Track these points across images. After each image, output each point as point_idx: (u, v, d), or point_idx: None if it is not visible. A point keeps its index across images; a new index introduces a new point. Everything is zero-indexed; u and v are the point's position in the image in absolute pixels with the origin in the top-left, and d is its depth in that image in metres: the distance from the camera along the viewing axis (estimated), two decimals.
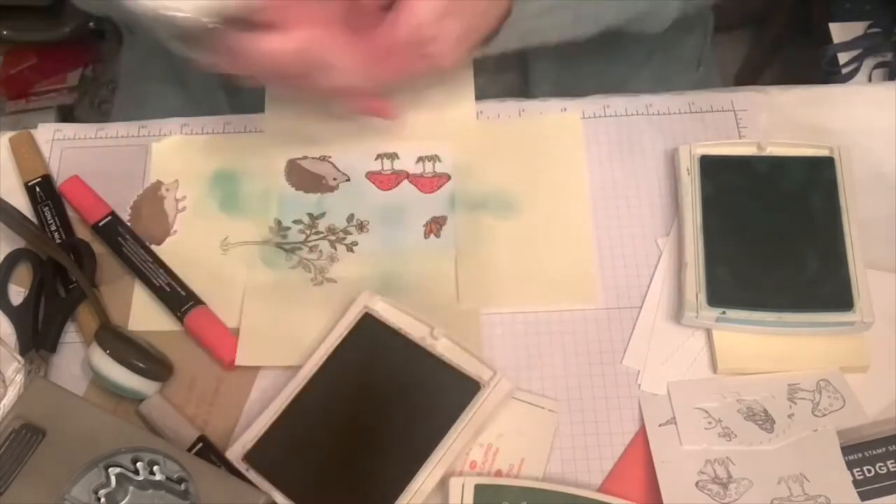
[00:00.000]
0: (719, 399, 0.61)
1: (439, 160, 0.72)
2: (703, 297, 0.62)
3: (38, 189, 0.71)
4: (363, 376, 0.61)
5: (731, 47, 1.53)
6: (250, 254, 0.68)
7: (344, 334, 0.62)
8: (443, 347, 0.61)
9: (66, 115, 1.54)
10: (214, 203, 0.71)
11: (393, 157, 0.72)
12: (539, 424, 0.60)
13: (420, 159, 0.72)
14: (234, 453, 0.59)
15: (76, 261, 0.67)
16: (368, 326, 0.63)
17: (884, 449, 0.57)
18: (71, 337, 0.66)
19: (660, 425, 0.60)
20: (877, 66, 0.96)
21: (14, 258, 0.68)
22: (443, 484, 0.57)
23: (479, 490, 0.56)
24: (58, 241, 0.69)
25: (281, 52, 0.58)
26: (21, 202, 0.71)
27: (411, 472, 0.57)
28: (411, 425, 0.59)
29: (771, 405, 0.60)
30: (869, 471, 0.57)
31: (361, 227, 0.69)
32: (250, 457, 0.59)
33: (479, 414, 0.58)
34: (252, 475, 0.58)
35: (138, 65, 0.94)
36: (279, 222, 0.70)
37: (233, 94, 0.82)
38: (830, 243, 0.63)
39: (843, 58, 0.98)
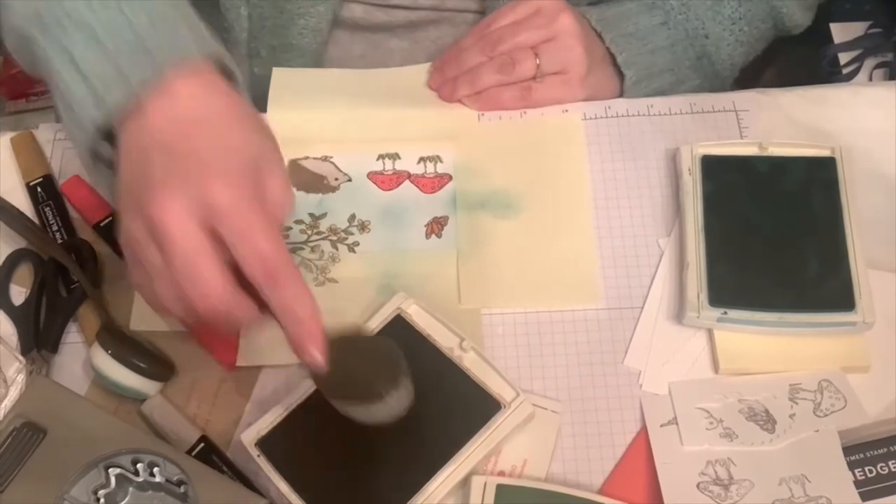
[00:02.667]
0: (721, 399, 0.61)
1: (441, 160, 0.72)
2: (704, 297, 0.62)
3: (39, 189, 0.71)
4: None
5: None
6: None
7: (373, 333, 0.62)
8: (469, 361, 0.61)
9: None
10: None
11: (394, 157, 0.72)
12: (542, 425, 0.60)
13: (421, 159, 0.72)
14: (248, 437, 0.59)
15: (78, 261, 0.67)
16: (398, 329, 0.62)
17: (885, 449, 0.57)
18: (72, 337, 0.66)
19: (661, 426, 0.60)
20: (877, 66, 0.96)
21: (16, 258, 0.68)
22: (453, 490, 0.57)
23: (501, 490, 0.56)
24: (59, 241, 0.69)
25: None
26: (22, 202, 0.71)
27: (419, 482, 0.57)
28: (426, 435, 0.58)
29: (772, 405, 0.60)
30: (870, 471, 0.57)
31: (363, 227, 0.69)
32: (263, 443, 0.59)
33: (495, 434, 0.58)
34: (262, 462, 0.58)
35: None
36: None
37: (251, 76, 0.82)
38: (832, 243, 0.63)
39: (843, 58, 0.97)
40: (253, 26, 0.79)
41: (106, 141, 0.54)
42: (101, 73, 0.51)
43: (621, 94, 0.75)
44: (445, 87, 0.74)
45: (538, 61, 0.72)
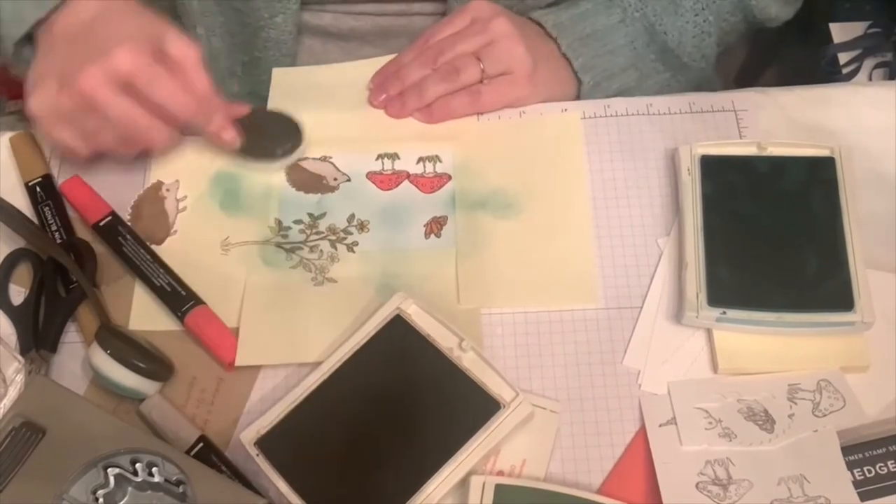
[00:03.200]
0: (720, 399, 0.61)
1: (440, 160, 0.72)
2: (703, 296, 0.62)
3: (38, 189, 0.71)
4: (385, 378, 0.61)
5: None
6: (250, 254, 0.68)
7: (372, 333, 0.62)
8: (469, 361, 0.61)
9: None
10: (215, 203, 0.71)
11: (393, 157, 0.72)
12: (541, 425, 0.60)
13: (421, 159, 0.72)
14: (247, 436, 0.59)
15: (77, 260, 0.67)
16: (398, 329, 0.62)
17: (884, 449, 0.57)
18: (71, 337, 0.66)
19: (660, 425, 0.60)
20: (877, 66, 0.96)
21: (14, 258, 0.68)
22: (451, 489, 0.57)
23: (500, 490, 0.56)
24: (58, 240, 0.69)
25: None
26: (21, 202, 0.71)
27: (419, 482, 0.57)
28: (426, 435, 0.59)
29: (771, 405, 0.60)
30: (869, 471, 0.57)
31: (362, 227, 0.69)
32: (262, 442, 0.59)
33: (495, 433, 0.58)
34: (261, 461, 0.58)
35: None
36: (279, 222, 0.70)
37: (234, 95, 0.82)
38: (831, 243, 0.63)
39: (843, 58, 0.98)
40: (226, 45, 0.80)
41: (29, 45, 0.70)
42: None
43: (580, 96, 0.75)
44: (392, 104, 0.74)
45: (482, 66, 0.72)
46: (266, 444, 0.59)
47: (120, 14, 0.66)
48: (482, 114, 0.74)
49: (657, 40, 0.75)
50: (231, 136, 0.69)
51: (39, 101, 0.65)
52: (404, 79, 0.73)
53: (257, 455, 0.58)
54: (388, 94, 0.74)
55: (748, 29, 0.80)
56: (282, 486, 0.57)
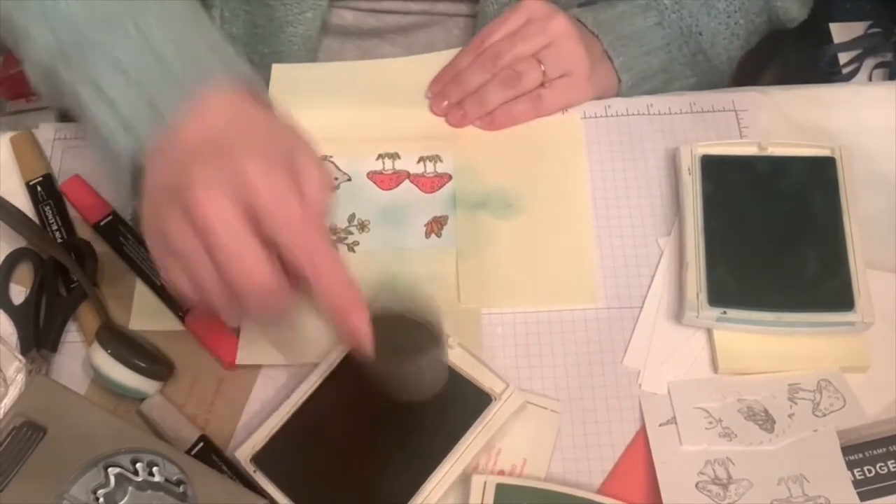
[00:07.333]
0: (720, 399, 0.61)
1: (440, 160, 0.72)
2: (703, 296, 0.62)
3: (39, 188, 0.71)
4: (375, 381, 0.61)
5: None
6: None
7: None
8: (456, 357, 0.60)
9: (66, 114, 1.53)
10: None
11: (394, 156, 0.72)
12: (542, 425, 0.60)
13: (421, 159, 0.72)
14: (244, 454, 0.59)
15: (77, 260, 0.67)
16: None
17: (884, 449, 0.57)
18: (72, 336, 0.66)
19: (660, 425, 0.60)
20: (877, 66, 0.96)
21: (15, 257, 0.68)
22: (452, 489, 0.57)
23: (501, 490, 0.56)
24: (59, 240, 0.69)
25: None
26: (22, 201, 0.71)
27: (418, 482, 0.56)
28: (421, 434, 0.58)
29: (771, 405, 0.60)
30: (869, 471, 0.57)
31: (362, 226, 0.69)
32: (259, 458, 0.59)
33: (489, 426, 0.58)
34: (259, 477, 0.58)
35: None
36: None
37: None
38: (831, 243, 0.63)
39: (843, 58, 0.97)
40: (247, 33, 0.79)
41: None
42: (130, 101, 0.51)
43: (618, 97, 0.75)
44: (453, 113, 0.72)
45: (543, 68, 0.71)
46: (262, 459, 0.58)
47: (256, 123, 0.52)
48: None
49: (691, 42, 0.75)
50: (369, 338, 0.51)
51: (149, 223, 0.51)
52: (464, 85, 0.72)
53: (255, 472, 0.58)
54: (449, 101, 0.73)
55: (769, 30, 0.80)
56: (282, 500, 0.57)
